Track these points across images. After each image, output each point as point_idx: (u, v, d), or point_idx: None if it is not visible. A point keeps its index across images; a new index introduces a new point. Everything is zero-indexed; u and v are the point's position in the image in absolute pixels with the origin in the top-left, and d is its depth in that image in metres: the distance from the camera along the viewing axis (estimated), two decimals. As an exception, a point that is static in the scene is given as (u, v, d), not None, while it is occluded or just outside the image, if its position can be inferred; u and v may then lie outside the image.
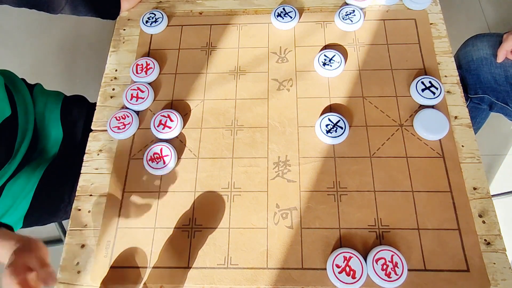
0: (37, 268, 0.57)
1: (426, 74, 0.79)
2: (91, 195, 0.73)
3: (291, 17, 0.86)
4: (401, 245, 0.65)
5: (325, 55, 0.80)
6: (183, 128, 0.77)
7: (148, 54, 0.87)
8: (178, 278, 0.64)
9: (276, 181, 0.71)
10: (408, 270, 0.61)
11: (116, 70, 0.86)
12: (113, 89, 0.83)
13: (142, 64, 0.83)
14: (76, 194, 0.73)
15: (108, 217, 0.70)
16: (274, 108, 0.78)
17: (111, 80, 0.85)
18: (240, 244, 0.67)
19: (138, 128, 0.78)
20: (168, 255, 0.66)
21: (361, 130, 0.75)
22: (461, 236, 0.65)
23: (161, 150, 0.73)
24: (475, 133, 1.06)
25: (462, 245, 0.64)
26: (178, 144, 0.76)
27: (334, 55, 0.80)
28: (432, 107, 0.75)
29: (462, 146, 0.72)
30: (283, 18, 0.86)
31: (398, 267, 0.61)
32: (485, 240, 0.64)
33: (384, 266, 0.61)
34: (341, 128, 0.73)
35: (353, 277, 0.61)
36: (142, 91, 0.80)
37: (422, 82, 0.76)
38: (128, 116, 0.77)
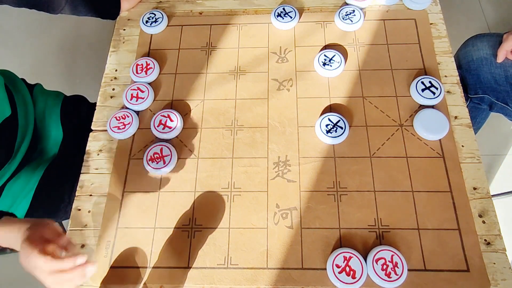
0: (54, 237, 0.58)
1: (426, 74, 0.79)
2: (91, 195, 0.73)
3: (291, 17, 0.86)
4: (401, 245, 0.65)
5: (325, 55, 0.80)
6: (183, 128, 0.77)
7: (148, 54, 0.87)
8: (178, 278, 0.64)
9: (276, 181, 0.71)
10: (408, 270, 0.61)
11: (116, 70, 0.86)
12: (113, 89, 0.83)
13: (142, 64, 0.83)
14: (76, 194, 0.73)
15: (108, 217, 0.70)
16: (274, 108, 0.78)
17: (111, 80, 0.85)
18: (240, 244, 0.67)
19: (138, 128, 0.78)
20: (168, 255, 0.66)
21: (361, 130, 0.75)
22: (461, 236, 0.65)
23: (161, 150, 0.73)
24: (475, 133, 1.06)
25: (462, 245, 0.64)
26: (178, 144, 0.76)
27: (334, 55, 0.80)
28: (432, 107, 0.75)
29: (462, 146, 0.72)
30: (283, 18, 0.86)
31: (398, 267, 0.61)
32: (485, 240, 0.64)
33: (384, 266, 0.61)
34: (341, 128, 0.73)
35: (353, 277, 0.61)
36: (142, 91, 0.80)
37: (422, 82, 0.76)
38: (128, 116, 0.77)
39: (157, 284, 0.64)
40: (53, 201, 0.89)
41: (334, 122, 0.74)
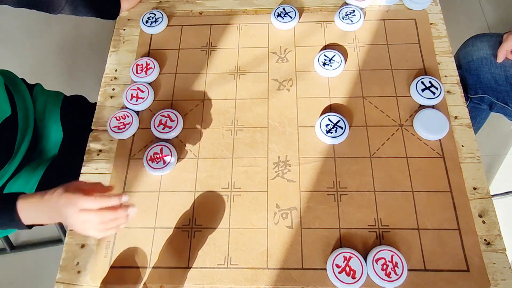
0: (89, 187, 0.60)
1: (426, 74, 0.79)
2: (91, 195, 0.72)
3: (291, 17, 0.86)
4: (401, 245, 0.65)
5: (325, 55, 0.80)
6: (183, 128, 0.77)
7: (148, 54, 0.87)
8: (178, 278, 0.64)
9: (276, 181, 0.71)
10: (408, 270, 0.61)
11: (116, 70, 0.86)
12: (113, 89, 0.83)
13: (142, 64, 0.83)
14: (76, 194, 0.73)
15: (108, 217, 0.70)
16: (274, 108, 0.78)
17: (111, 80, 0.85)
18: (240, 244, 0.67)
19: (138, 128, 0.78)
20: (168, 255, 0.66)
21: (361, 130, 0.75)
22: (461, 236, 0.65)
23: (161, 150, 0.73)
24: (475, 133, 1.06)
25: (462, 245, 0.64)
26: (178, 144, 0.76)
27: (334, 55, 0.80)
28: (432, 107, 0.75)
29: (462, 146, 0.72)
30: (283, 18, 0.86)
31: (398, 267, 0.61)
32: (485, 240, 0.64)
33: (384, 266, 0.61)
34: (341, 128, 0.73)
35: (353, 277, 0.61)
36: (142, 91, 0.80)
37: (422, 82, 0.76)
38: (128, 116, 0.77)
39: (157, 284, 0.64)
40: (53, 201, 0.89)
41: (334, 122, 0.74)
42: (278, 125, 0.76)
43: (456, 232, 0.65)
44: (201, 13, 0.91)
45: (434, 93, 0.75)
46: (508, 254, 0.63)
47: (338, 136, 0.72)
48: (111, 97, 0.83)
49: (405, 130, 0.74)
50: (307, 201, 0.69)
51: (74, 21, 1.78)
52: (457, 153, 0.72)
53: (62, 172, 0.89)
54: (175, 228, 0.68)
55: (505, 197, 1.32)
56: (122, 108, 0.80)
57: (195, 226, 0.68)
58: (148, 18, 0.89)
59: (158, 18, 0.88)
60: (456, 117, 0.75)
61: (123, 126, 0.76)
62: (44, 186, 0.86)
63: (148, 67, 0.82)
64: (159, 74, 0.84)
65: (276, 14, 0.86)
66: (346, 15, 0.85)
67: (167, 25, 0.89)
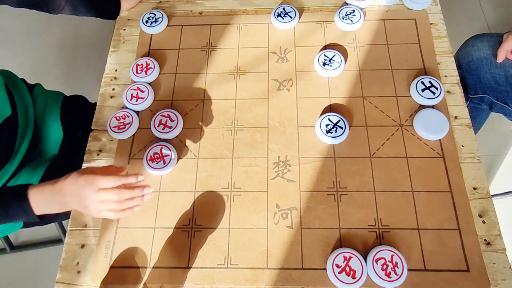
0: (103, 170, 0.61)
1: (426, 74, 0.79)
2: (91, 195, 0.72)
3: (291, 17, 0.86)
4: (401, 245, 0.65)
5: (325, 55, 0.80)
6: (183, 128, 0.77)
7: (148, 54, 0.87)
8: (178, 278, 0.64)
9: (276, 181, 0.71)
10: (408, 270, 0.61)
11: (116, 70, 0.86)
12: (113, 89, 0.83)
13: (142, 64, 0.83)
14: (76, 194, 0.73)
15: (108, 217, 0.70)
16: (274, 108, 0.78)
17: (111, 80, 0.85)
18: (240, 244, 0.67)
19: (138, 128, 0.78)
20: (168, 255, 0.66)
21: (361, 130, 0.75)
22: (461, 236, 0.65)
23: (161, 150, 0.73)
24: (475, 133, 1.06)
25: (462, 245, 0.64)
26: (178, 144, 0.76)
27: (334, 55, 0.80)
28: (432, 107, 0.75)
29: (462, 146, 0.72)
30: (283, 18, 0.86)
31: (398, 267, 0.61)
32: (485, 240, 0.64)
33: (384, 266, 0.61)
34: (341, 128, 0.73)
35: (353, 277, 0.61)
36: (142, 91, 0.80)
37: (422, 82, 0.76)
38: (128, 116, 0.77)
39: (157, 284, 0.64)
40: (53, 201, 0.89)
41: (334, 122, 0.74)
42: (278, 125, 0.76)
43: (456, 232, 0.65)
44: (201, 13, 0.91)
45: (434, 93, 0.75)
46: (508, 254, 0.63)
47: (338, 136, 0.72)
48: (111, 97, 0.83)
49: (405, 130, 0.74)
50: (307, 201, 0.69)
51: (74, 21, 1.78)
52: (457, 153, 0.72)
53: (62, 172, 0.88)
54: (175, 228, 0.69)
55: (505, 197, 1.32)
56: (122, 108, 0.80)
57: (195, 226, 0.68)
58: (148, 18, 0.89)
59: (158, 18, 0.88)
60: (456, 117, 0.75)
61: (123, 126, 0.76)
62: (44, 186, 0.86)
63: (148, 67, 0.82)
64: (159, 74, 0.84)
65: (276, 14, 0.86)
66: (346, 15, 0.85)
67: (167, 25, 0.89)
